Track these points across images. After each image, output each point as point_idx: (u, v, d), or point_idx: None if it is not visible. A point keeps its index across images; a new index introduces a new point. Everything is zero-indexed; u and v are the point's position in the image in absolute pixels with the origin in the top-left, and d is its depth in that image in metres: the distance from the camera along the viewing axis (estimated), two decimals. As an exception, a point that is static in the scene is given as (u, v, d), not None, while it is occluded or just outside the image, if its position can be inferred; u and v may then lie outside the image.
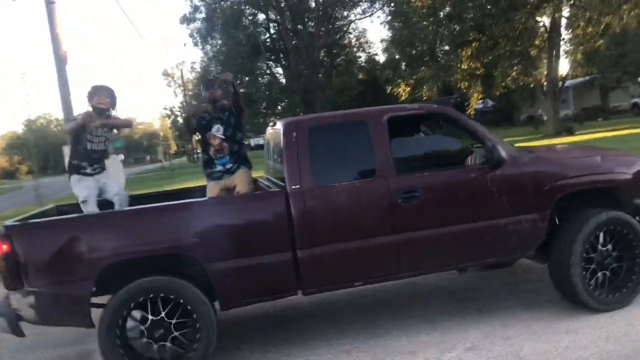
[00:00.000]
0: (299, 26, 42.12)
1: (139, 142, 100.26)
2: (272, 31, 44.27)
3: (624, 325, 4.29)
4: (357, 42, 45.79)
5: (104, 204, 5.28)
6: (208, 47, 42.73)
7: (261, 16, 43.15)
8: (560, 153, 5.27)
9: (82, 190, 5.21)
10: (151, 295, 3.98)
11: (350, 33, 45.06)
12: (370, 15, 42.87)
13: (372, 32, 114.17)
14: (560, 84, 26.76)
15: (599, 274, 4.60)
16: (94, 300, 4.16)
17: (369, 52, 46.29)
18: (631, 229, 4.59)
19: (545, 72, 25.79)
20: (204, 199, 4.93)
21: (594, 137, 20.70)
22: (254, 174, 5.56)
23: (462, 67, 26.26)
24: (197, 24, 40.69)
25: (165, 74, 67.41)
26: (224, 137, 5.25)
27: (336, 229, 4.29)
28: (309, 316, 5.35)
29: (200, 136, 5.58)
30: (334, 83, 39.13)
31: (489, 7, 24.51)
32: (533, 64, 26.08)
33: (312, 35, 41.02)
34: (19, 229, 4.08)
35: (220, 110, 5.38)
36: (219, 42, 40.92)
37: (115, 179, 8.75)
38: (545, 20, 25.59)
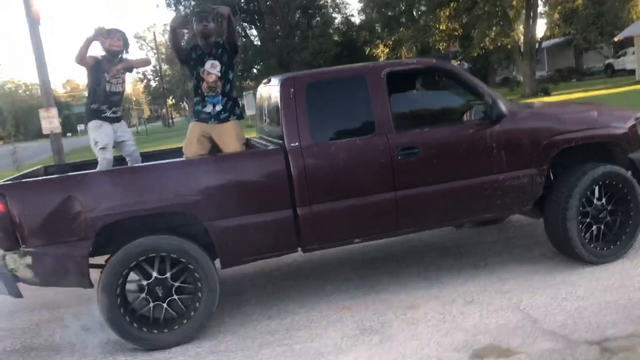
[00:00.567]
0: (273, -14, 41.27)
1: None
2: (246, -9, 43.32)
3: (619, 277, 4.38)
4: (332, 3, 45.14)
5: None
6: (181, 8, 41.75)
7: (235, -25, 42.15)
8: (558, 108, 5.28)
9: (102, 136, 5.05)
10: (152, 255, 3.93)
11: (326, -7, 44.37)
12: (346, -25, 42.27)
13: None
14: (537, 45, 26.85)
15: (594, 227, 4.66)
16: (91, 260, 4.09)
17: (344, 14, 45.71)
18: (626, 183, 4.64)
19: (523, 33, 25.83)
20: (204, 156, 4.81)
21: (570, 98, 20.90)
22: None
23: (441, 28, 26.14)
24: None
25: (137, 36, 65.90)
26: (219, 75, 4.98)
27: (335, 186, 4.26)
28: (306, 274, 5.35)
29: (189, 69, 5.14)
30: (310, 45, 38.63)
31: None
32: (510, 25, 26.07)
33: (288, -5, 40.26)
34: (13, 187, 3.95)
35: (213, 46, 5.05)
36: (192, 2, 39.96)
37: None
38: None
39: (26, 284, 4.00)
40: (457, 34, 27.11)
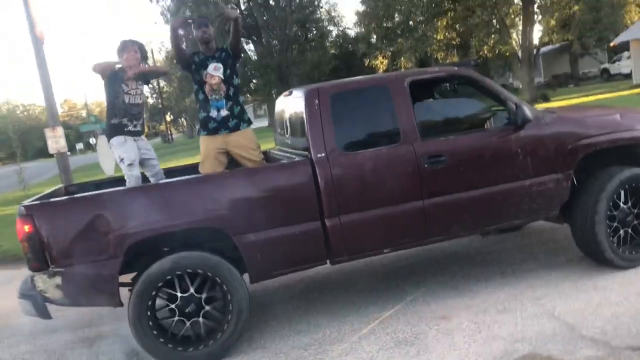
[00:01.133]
0: (270, 1, 41.51)
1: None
2: (242, 7, 43.53)
3: (651, 280, 4.34)
4: (328, 16, 45.38)
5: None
6: (178, 24, 41.89)
7: (231, -9, 42.38)
8: (581, 112, 5.26)
9: (129, 152, 4.87)
10: (182, 272, 3.89)
11: (322, 7, 44.63)
12: (341, -12, 42.50)
13: (343, 5, 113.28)
14: (534, 51, 26.97)
15: (621, 231, 4.63)
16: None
17: (340, 26, 45.93)
18: (652, 185, 4.61)
19: (520, 40, 25.95)
20: (230, 171, 4.76)
21: (570, 103, 20.93)
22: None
23: (438, 37, 26.24)
24: (167, 2, 39.79)
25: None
26: (222, 77, 4.89)
27: (363, 196, 4.22)
28: (330, 286, 5.30)
29: (191, 74, 5.02)
30: (308, 58, 38.78)
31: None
32: (508, 33, 26.21)
33: (284, 10, 40.47)
34: (41, 207, 3.91)
35: (215, 50, 4.98)
36: (189, 20, 40.11)
37: (109, 158, 8.53)
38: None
39: (55, 305, 3.95)
40: (455, 43, 27.23)
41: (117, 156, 4.92)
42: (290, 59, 38.69)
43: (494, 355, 3.53)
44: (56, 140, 12.26)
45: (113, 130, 4.95)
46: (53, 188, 5.20)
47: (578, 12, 25.12)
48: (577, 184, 4.70)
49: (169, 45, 46.37)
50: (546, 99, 25.43)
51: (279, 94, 5.83)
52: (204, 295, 3.97)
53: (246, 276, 4.18)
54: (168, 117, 66.21)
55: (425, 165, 4.26)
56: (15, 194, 18.97)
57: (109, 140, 4.96)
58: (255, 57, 42.24)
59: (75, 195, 4.35)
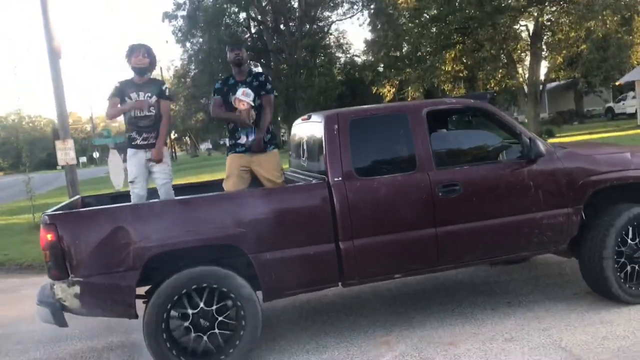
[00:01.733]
0: (281, 26, 42.08)
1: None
2: (253, 30, 44.11)
3: (656, 316, 4.41)
4: (337, 43, 45.93)
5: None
6: (188, 44, 42.42)
7: (242, 15, 42.97)
8: (592, 149, 5.37)
9: (132, 167, 4.95)
10: (195, 286, 3.96)
11: (331, 34, 45.21)
12: (351, 17, 43.05)
13: (352, 33, 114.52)
14: (540, 87, 27.26)
15: (628, 267, 4.70)
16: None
17: (348, 54, 46.45)
18: (659, 224, 4.70)
19: (527, 75, 26.26)
20: (248, 190, 4.87)
21: (574, 140, 21.11)
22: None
23: (446, 69, 26.53)
24: (180, 22, 40.32)
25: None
26: (253, 105, 4.94)
27: (378, 221, 4.31)
28: (337, 309, 5.35)
29: (224, 102, 5.08)
30: (315, 83, 39.17)
31: (473, 11, 24.82)
32: (515, 68, 26.53)
33: (294, 35, 41.01)
34: (64, 217, 4.01)
35: (247, 75, 5.10)
36: (200, 40, 40.64)
37: (120, 173, 8.65)
38: (529, 25, 26.03)
39: (72, 314, 4.02)
40: (462, 75, 27.54)
41: (127, 169, 4.99)
42: (297, 84, 39.06)
43: (502, 383, 3.59)
44: (66, 153, 12.39)
45: (127, 144, 5.03)
46: (71, 199, 5.31)
47: (585, 51, 25.47)
48: (585, 219, 4.79)
49: (177, 64, 46.99)
50: (551, 134, 25.62)
51: (284, 117, 5.99)
52: (214, 308, 4.03)
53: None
54: (172, 135, 66.59)
55: (440, 194, 4.36)
56: (20, 204, 19.08)
57: (123, 154, 5.01)
58: (263, 80, 42.56)
59: (99, 207, 4.44)
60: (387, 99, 29.63)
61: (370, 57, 37.31)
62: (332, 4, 42.25)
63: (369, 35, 40.76)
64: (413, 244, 4.37)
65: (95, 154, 76.23)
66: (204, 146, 78.78)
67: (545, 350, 3.99)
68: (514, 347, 4.11)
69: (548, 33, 25.91)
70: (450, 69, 26.75)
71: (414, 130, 4.45)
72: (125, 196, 5.30)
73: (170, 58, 78.27)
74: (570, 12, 22.95)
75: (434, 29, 27.37)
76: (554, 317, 4.58)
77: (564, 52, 24.83)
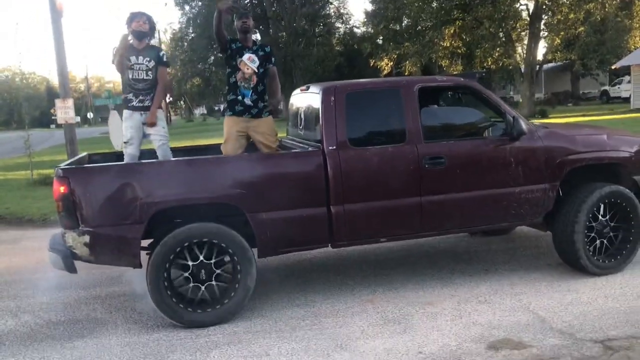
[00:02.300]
0: (281, -8, 41.81)
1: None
2: (253, -4, 43.82)
3: (619, 287, 4.79)
4: (337, 13, 45.72)
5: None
6: (187, 7, 42.16)
7: (243, -20, 42.64)
8: (572, 130, 5.69)
9: (127, 129, 5.22)
10: (199, 240, 4.29)
11: (332, 3, 44.96)
12: (353, -14, 42.87)
13: (352, 3, 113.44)
14: (537, 67, 27.48)
15: (598, 241, 5.07)
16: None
17: (348, 24, 46.29)
18: (629, 202, 5.05)
19: (524, 55, 26.45)
20: (249, 154, 5.17)
21: (566, 121, 21.43)
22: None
23: (445, 44, 26.67)
24: (179, -16, 40.02)
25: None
26: (256, 71, 5.25)
27: (367, 188, 4.64)
28: (327, 269, 5.72)
29: (226, 58, 5.39)
30: (313, 53, 39.15)
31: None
32: (513, 47, 26.69)
33: (294, 2, 40.79)
34: (76, 171, 4.32)
35: (254, 44, 5.42)
36: (200, 3, 40.39)
37: (118, 134, 8.91)
38: (528, 4, 26.13)
39: (81, 261, 4.35)
40: (460, 51, 27.69)
41: (123, 131, 5.28)
42: (295, 52, 39.04)
43: (471, 337, 3.97)
44: (66, 111, 12.59)
45: (123, 105, 5.33)
46: (78, 156, 5.60)
47: (583, 33, 25.64)
48: (562, 195, 5.14)
49: (175, 27, 46.69)
50: (544, 114, 25.96)
51: (282, 86, 6.27)
52: (213, 261, 4.36)
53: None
54: (167, 99, 66.33)
55: (426, 165, 4.68)
56: (17, 160, 19.31)
57: (121, 114, 5.27)
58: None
59: (109, 163, 4.74)
60: (385, 72, 29.75)
61: (370, 29, 37.22)
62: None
63: (369, 7, 40.59)
64: (399, 210, 4.70)
65: (90, 115, 75.92)
66: (199, 111, 78.60)
67: (514, 312, 4.37)
68: (486, 308, 4.49)
69: (548, 13, 26.03)
70: (448, 45, 26.89)
71: (406, 105, 4.74)
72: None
73: (169, 21, 77.20)
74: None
75: (434, 4, 27.44)
76: (526, 284, 4.96)
77: (562, 33, 24.99)
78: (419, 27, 28.81)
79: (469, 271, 5.39)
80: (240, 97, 5.33)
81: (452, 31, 26.32)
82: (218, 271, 4.37)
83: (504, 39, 25.71)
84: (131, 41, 5.22)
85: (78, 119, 77.00)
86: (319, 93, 4.78)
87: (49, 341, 4.29)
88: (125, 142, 5.28)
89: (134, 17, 5.19)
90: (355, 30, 45.94)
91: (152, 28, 5.33)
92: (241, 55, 5.27)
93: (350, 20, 46.14)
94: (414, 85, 4.81)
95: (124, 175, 4.28)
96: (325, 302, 4.78)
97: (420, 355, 3.74)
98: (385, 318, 4.39)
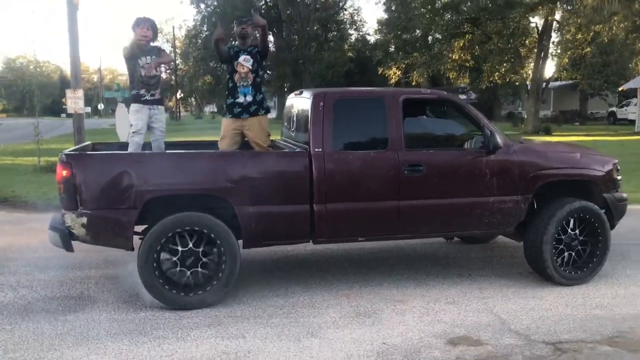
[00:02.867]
0: (296, -4, 42.26)
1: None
2: (268, -1, 44.32)
3: (581, 296, 5.08)
4: (350, 19, 46.16)
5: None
6: (203, 6, 42.66)
7: (259, -18, 43.15)
8: (547, 147, 5.99)
9: (137, 120, 5.70)
10: (188, 228, 4.62)
11: (346, 10, 45.42)
12: (367, -6, 43.27)
13: (366, 10, 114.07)
14: (543, 85, 27.74)
15: (566, 253, 5.36)
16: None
17: (361, 31, 46.73)
18: (597, 218, 5.35)
19: (531, 72, 26.73)
20: (240, 151, 5.52)
21: (568, 139, 21.67)
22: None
23: (453, 57, 26.98)
24: (196, -18, 40.51)
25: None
26: (251, 68, 5.70)
27: (349, 189, 4.96)
28: (309, 265, 6.04)
29: (227, 65, 5.88)
30: (324, 57, 39.56)
31: (487, 2, 25.20)
32: (520, 63, 26.97)
33: (309, 7, 41.25)
34: (78, 157, 4.66)
35: (248, 46, 5.81)
36: (215, 3, 40.90)
37: (125, 126, 9.36)
38: (537, 22, 26.42)
39: (78, 241, 4.68)
40: (468, 65, 27.99)
41: (130, 122, 5.76)
42: (307, 56, 39.47)
43: (434, 333, 4.27)
44: (76, 101, 12.96)
45: (132, 99, 5.83)
46: (83, 144, 5.95)
47: (589, 54, 25.92)
48: (537, 208, 5.44)
49: (190, 24, 47.28)
50: (548, 132, 26.20)
51: (291, 88, 6.73)
52: (199, 248, 4.68)
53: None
54: (178, 95, 66.90)
55: (405, 172, 4.99)
56: (25, 147, 19.75)
57: (128, 108, 5.74)
58: (273, 50, 42.97)
59: (109, 152, 5.09)
60: (393, 80, 30.08)
61: (381, 37, 37.60)
62: (349, -20, 42.43)
63: (382, 15, 40.95)
64: (378, 212, 5.02)
65: (100, 106, 76.52)
66: (209, 108, 79.16)
67: (477, 313, 4.67)
68: (453, 308, 4.79)
69: (556, 32, 26.31)
70: (457, 57, 27.19)
71: (390, 114, 5.06)
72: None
73: (184, 17, 78.13)
74: (579, 14, 23.33)
75: (448, 16, 27.79)
76: (494, 289, 5.26)
77: (569, 52, 25.25)
78: (429, 39, 29.15)
79: (444, 275, 5.69)
80: (239, 100, 5.72)
81: (461, 44, 26.64)
82: (204, 259, 4.69)
83: (511, 56, 25.98)
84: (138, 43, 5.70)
85: (88, 109, 77.68)
86: (309, 98, 5.11)
87: (43, 314, 4.62)
88: (134, 132, 5.71)
89: (138, 23, 5.70)
90: (368, 37, 46.40)
91: (155, 33, 5.87)
92: (237, 58, 5.70)
93: (363, 27, 46.65)
94: (399, 96, 5.13)
95: (122, 164, 4.62)
96: (304, 294, 5.10)
97: (384, 346, 4.05)
98: (357, 311, 4.70)
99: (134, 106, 5.80)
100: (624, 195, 5.73)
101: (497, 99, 43.00)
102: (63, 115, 59.44)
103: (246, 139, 5.79)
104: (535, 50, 26.42)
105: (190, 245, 4.65)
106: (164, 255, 4.66)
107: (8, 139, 25.70)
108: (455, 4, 25.99)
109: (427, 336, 4.22)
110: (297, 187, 4.87)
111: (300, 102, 5.53)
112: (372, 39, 45.85)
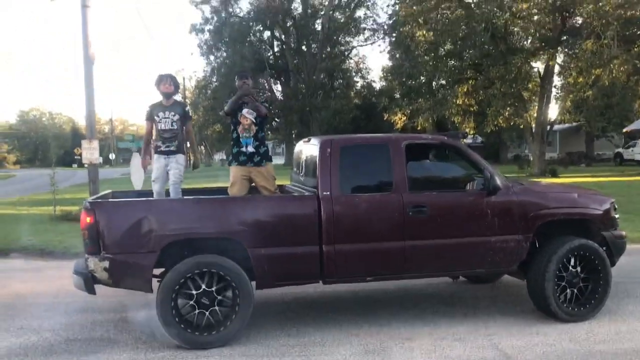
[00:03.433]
0: (302, 47, 43.36)
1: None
2: (275, 49, 45.48)
3: (585, 332, 5.23)
4: (356, 67, 47.12)
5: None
6: (212, 57, 43.78)
7: (267, 34, 44.37)
8: (545, 187, 6.25)
9: (155, 170, 6.15)
10: (204, 270, 4.85)
11: (351, 58, 46.44)
12: (372, 44, 44.38)
13: (371, 58, 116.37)
14: (548, 127, 28.11)
15: (568, 290, 5.53)
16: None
17: (366, 79, 47.61)
18: (597, 256, 5.54)
19: (535, 116, 27.14)
20: (252, 195, 5.82)
21: (575, 181, 21.84)
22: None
23: (457, 102, 27.46)
24: (206, 35, 41.69)
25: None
26: (254, 121, 6.07)
27: (356, 231, 5.20)
28: (320, 307, 6.23)
29: (230, 118, 6.30)
30: (331, 105, 40.29)
31: (488, 47, 25.82)
32: (524, 107, 27.41)
33: (315, 56, 42.26)
34: (101, 205, 4.95)
35: (250, 98, 6.21)
36: (224, 54, 41.99)
37: (139, 175, 9.78)
38: (539, 67, 26.98)
39: (100, 284, 4.93)
40: (472, 109, 28.45)
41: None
42: (314, 104, 40.20)
43: (441, 368, 4.44)
44: (91, 152, 13.38)
45: (154, 150, 6.29)
46: (103, 193, 6.26)
47: (590, 97, 26.36)
48: (538, 246, 5.64)
49: (200, 75, 48.46)
50: (554, 174, 26.37)
51: (299, 135, 7.14)
52: (214, 289, 4.88)
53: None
54: (188, 144, 67.79)
55: (410, 213, 5.24)
56: (40, 197, 20.16)
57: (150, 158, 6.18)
58: (281, 98, 43.86)
59: (130, 199, 5.38)
60: (399, 126, 30.57)
61: (386, 84, 38.36)
62: (354, 30, 43.58)
63: (387, 62, 41.88)
64: (384, 253, 5.24)
65: (112, 156, 77.68)
66: (218, 156, 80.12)
67: (483, 349, 4.83)
68: (459, 345, 4.95)
69: (558, 76, 26.81)
70: (461, 102, 27.67)
71: (393, 159, 5.35)
72: (146, 193, 6.28)
73: (194, 69, 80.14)
74: (580, 58, 23.86)
75: (452, 62, 28.46)
76: (499, 327, 5.42)
77: (571, 96, 25.68)
78: (433, 84, 29.75)
79: (450, 313, 5.86)
80: (243, 149, 6.11)
81: (465, 89, 27.17)
82: (220, 298, 4.91)
83: (515, 100, 26.44)
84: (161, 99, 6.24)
85: (101, 159, 79.13)
86: (317, 145, 5.41)
87: (66, 355, 4.83)
88: (153, 181, 6.16)
89: (161, 79, 6.19)
90: (373, 84, 47.26)
91: (176, 86, 6.36)
92: (240, 110, 6.09)
93: (368, 74, 47.55)
94: (402, 141, 5.43)
95: (142, 210, 4.90)
96: (315, 334, 5.28)
97: (392, 380, 4.22)
98: (366, 349, 4.87)
99: (155, 156, 6.28)
100: (623, 233, 5.94)
101: (503, 142, 43.40)
102: (74, 165, 60.45)
103: (253, 184, 6.11)
104: (538, 93, 26.90)
105: (204, 287, 4.87)
106: (180, 298, 4.87)
107: (23, 190, 26.20)
108: (458, 52, 26.69)
109: (434, 371, 4.38)
110: (306, 229, 5.11)
111: (308, 148, 5.83)
112: (377, 85, 46.73)
